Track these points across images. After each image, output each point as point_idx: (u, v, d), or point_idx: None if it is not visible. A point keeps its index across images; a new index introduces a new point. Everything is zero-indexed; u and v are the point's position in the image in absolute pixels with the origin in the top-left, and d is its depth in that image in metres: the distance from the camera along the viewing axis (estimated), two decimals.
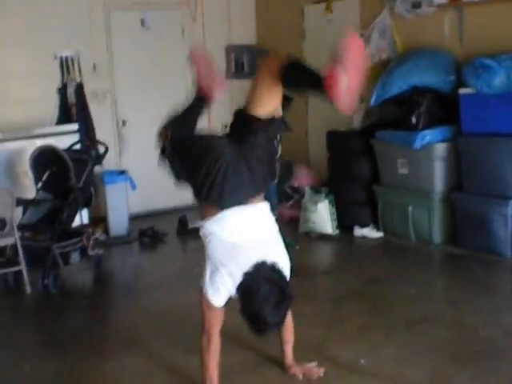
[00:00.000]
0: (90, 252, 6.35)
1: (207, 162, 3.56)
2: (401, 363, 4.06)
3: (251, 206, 3.65)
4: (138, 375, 4.19)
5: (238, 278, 3.47)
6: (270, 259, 3.49)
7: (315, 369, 4.04)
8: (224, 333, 3.72)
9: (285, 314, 3.50)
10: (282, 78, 3.49)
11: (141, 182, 8.00)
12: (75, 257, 6.18)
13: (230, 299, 3.60)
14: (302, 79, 3.55)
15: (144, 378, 4.14)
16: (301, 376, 3.99)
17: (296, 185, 7.91)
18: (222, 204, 3.60)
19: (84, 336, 4.98)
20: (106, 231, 7.81)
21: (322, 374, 3.99)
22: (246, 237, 3.59)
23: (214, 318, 3.66)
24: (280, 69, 3.48)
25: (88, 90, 8.13)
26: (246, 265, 3.45)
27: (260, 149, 3.66)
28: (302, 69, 3.53)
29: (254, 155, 3.64)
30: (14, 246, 5.97)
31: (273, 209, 7.75)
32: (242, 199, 3.63)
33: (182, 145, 3.77)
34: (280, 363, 4.09)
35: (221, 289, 3.56)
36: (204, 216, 3.70)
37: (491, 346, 4.24)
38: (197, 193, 3.70)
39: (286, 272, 3.60)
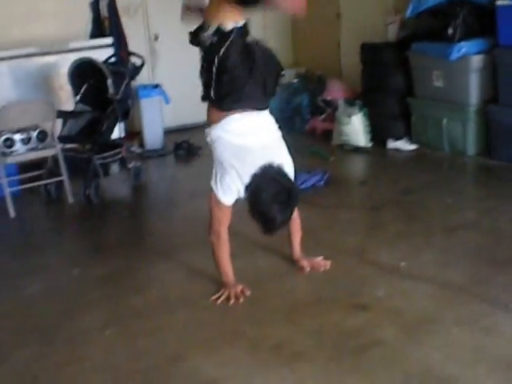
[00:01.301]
0: (129, 164, 6.46)
1: (232, 73, 3.70)
2: (441, 266, 4.16)
3: (256, 112, 3.84)
4: (181, 280, 4.33)
5: (246, 179, 3.71)
6: (275, 161, 3.72)
7: (322, 261, 4.27)
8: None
9: (291, 212, 3.76)
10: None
11: (173, 97, 8.05)
12: (115, 168, 6.30)
13: (238, 199, 3.85)
14: None
15: (186, 284, 4.27)
16: (308, 269, 4.21)
17: (329, 98, 7.92)
18: (236, 107, 3.77)
19: (128, 243, 5.14)
20: (142, 145, 7.92)
21: (328, 267, 4.22)
22: (251, 140, 3.80)
23: (223, 216, 3.92)
24: None
25: (120, 4, 8.13)
26: (253, 166, 3.68)
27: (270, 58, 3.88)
28: None
29: (267, 67, 3.83)
30: (55, 158, 6.11)
31: (305, 121, 7.87)
32: (255, 107, 3.83)
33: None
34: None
35: (231, 187, 3.80)
36: (210, 122, 3.87)
37: None
38: (216, 91, 3.78)
39: (291, 173, 3.83)
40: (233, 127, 3.80)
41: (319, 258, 4.30)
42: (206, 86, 3.82)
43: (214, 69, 3.72)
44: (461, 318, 3.51)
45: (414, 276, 4.05)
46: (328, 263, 4.25)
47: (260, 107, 3.88)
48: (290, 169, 3.85)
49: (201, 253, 4.58)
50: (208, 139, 3.92)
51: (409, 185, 5.88)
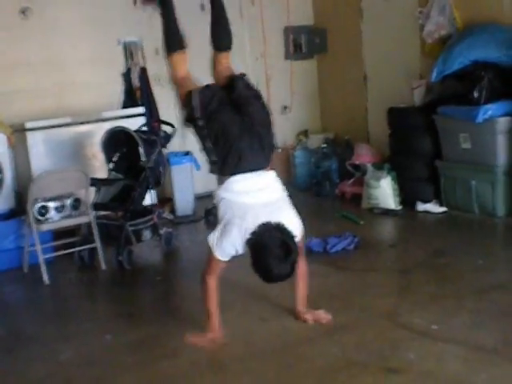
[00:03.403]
0: (160, 230, 6.55)
1: (227, 136, 4.02)
2: (473, 328, 4.14)
3: (259, 172, 4.06)
4: (217, 344, 4.34)
5: (247, 235, 3.86)
6: (275, 219, 3.86)
7: (323, 314, 4.39)
8: None
9: (291, 266, 3.83)
10: None
11: (204, 163, 8.14)
12: (147, 234, 6.37)
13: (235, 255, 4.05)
14: None
15: (222, 347, 4.25)
16: (311, 321, 4.35)
17: (357, 162, 7.99)
18: (236, 171, 4.03)
19: (161, 308, 5.19)
20: (173, 211, 8.02)
21: (329, 319, 4.35)
22: (252, 198, 3.98)
23: (216, 268, 4.18)
24: None
25: (151, 74, 8.35)
26: (254, 223, 3.84)
27: (260, 112, 4.18)
28: None
29: (259, 122, 4.11)
30: (89, 225, 6.21)
31: (334, 185, 7.98)
32: (255, 167, 4.05)
33: (208, 117, 4.10)
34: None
35: (228, 248, 3.99)
36: (217, 185, 4.17)
37: None
38: (215, 163, 4.11)
39: (294, 231, 3.93)
40: (234, 187, 4.02)
41: (321, 311, 4.42)
42: (207, 156, 4.17)
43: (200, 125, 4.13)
44: (493, 381, 3.49)
45: (445, 339, 4.03)
46: (329, 317, 4.36)
47: (260, 167, 4.08)
48: (293, 226, 3.95)
49: (232, 317, 4.61)
50: (214, 201, 4.15)
51: (439, 247, 5.89)
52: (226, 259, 4.09)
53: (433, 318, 4.34)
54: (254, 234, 3.82)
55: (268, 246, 3.76)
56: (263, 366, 3.92)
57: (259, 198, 3.99)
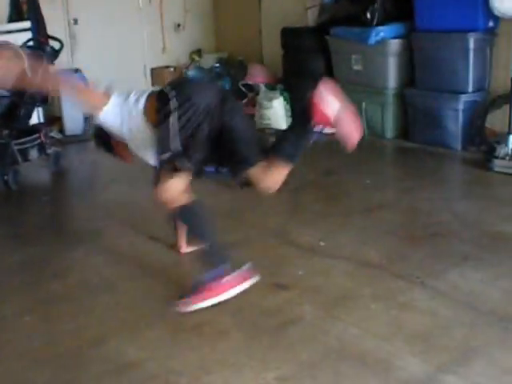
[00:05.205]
0: (48, 149, 6.36)
1: None
2: (359, 245, 4.25)
3: None
4: (101, 264, 4.28)
5: None
6: None
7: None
8: None
9: None
10: None
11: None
12: (34, 153, 6.18)
13: None
14: None
15: (106, 267, 4.22)
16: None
17: (250, 82, 7.95)
18: None
19: (48, 228, 5.05)
20: (62, 130, 7.80)
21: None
22: None
23: None
24: None
25: None
26: None
27: None
28: None
29: None
30: None
31: None
32: None
33: None
34: None
35: None
36: None
37: (444, 229, 4.45)
38: None
39: None
40: None
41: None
42: None
43: None
44: (378, 295, 3.59)
45: (332, 255, 4.12)
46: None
47: None
48: None
49: (121, 236, 4.57)
50: None
51: (328, 167, 5.98)
52: None
53: (320, 235, 4.42)
54: None
55: None
56: (152, 282, 3.90)
57: None
